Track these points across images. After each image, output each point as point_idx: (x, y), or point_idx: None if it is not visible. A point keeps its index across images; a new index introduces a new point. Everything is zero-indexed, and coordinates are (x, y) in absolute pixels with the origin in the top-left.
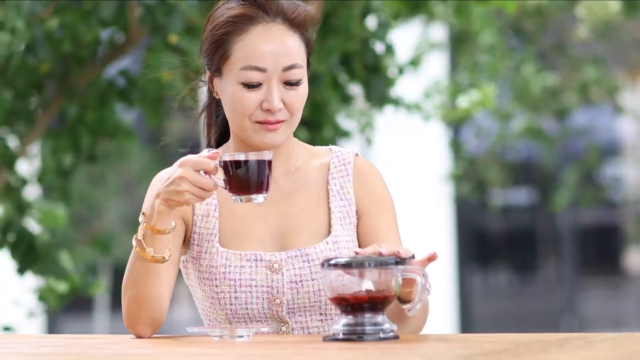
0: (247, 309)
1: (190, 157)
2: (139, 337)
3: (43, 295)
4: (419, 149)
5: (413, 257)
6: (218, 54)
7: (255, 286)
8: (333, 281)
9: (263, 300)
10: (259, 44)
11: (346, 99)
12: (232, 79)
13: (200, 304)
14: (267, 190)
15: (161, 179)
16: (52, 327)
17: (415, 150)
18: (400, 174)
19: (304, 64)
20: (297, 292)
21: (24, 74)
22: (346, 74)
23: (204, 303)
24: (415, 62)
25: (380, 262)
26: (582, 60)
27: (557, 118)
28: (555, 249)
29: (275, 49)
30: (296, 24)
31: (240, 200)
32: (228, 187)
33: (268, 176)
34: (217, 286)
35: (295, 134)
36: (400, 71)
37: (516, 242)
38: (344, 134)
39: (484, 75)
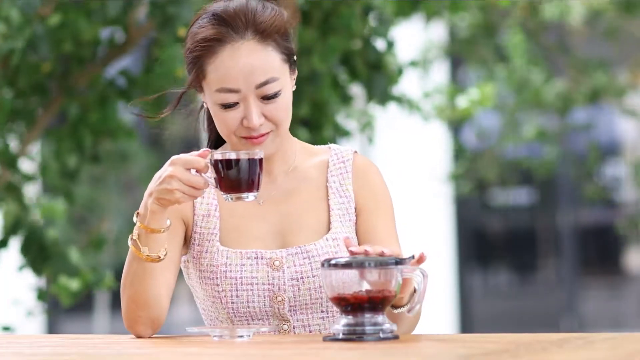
0: (248, 307)
1: (180, 156)
2: (139, 337)
3: (43, 295)
4: (420, 148)
5: (413, 257)
6: (195, 73)
7: (257, 284)
8: (333, 281)
9: (265, 298)
10: (228, 65)
11: (346, 99)
12: (210, 99)
13: (201, 304)
14: (257, 188)
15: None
16: (52, 327)
17: (416, 149)
18: (401, 174)
19: (282, 73)
20: (299, 289)
21: (25, 73)
22: (347, 73)
23: (206, 302)
24: (415, 63)
25: (381, 262)
26: (589, 62)
27: (559, 114)
28: (555, 249)
29: (244, 68)
30: (268, 34)
31: (231, 198)
32: (218, 185)
33: (259, 175)
34: (218, 285)
35: (295, 134)
36: (400, 71)
37: (516, 242)
38: (345, 133)
39: (493, 77)
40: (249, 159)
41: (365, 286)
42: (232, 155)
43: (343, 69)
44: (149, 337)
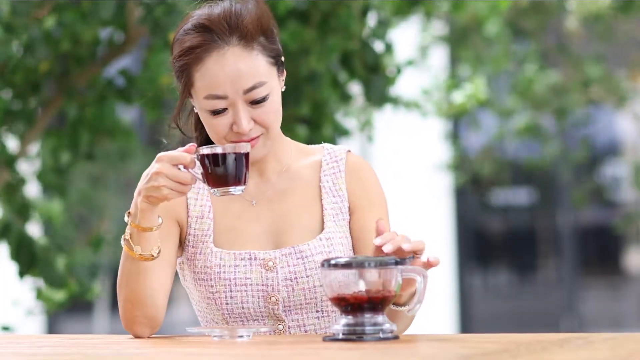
0: (243, 307)
1: (166, 153)
2: (137, 337)
3: (41, 297)
4: (419, 146)
5: (412, 257)
6: (183, 81)
7: (251, 285)
8: (332, 281)
9: (259, 298)
10: (214, 73)
11: (346, 98)
12: (199, 106)
13: (196, 305)
14: (244, 182)
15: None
16: (52, 327)
17: (415, 149)
18: (401, 174)
19: (269, 76)
20: (293, 289)
21: (22, 73)
22: (346, 72)
23: (201, 304)
24: (412, 62)
25: (380, 262)
26: (584, 57)
27: (557, 117)
28: (555, 249)
29: (231, 74)
30: (253, 37)
31: (218, 193)
32: (205, 180)
33: (246, 168)
34: (212, 286)
35: (295, 132)
36: (399, 71)
37: (516, 242)
38: (344, 132)
39: (486, 68)
40: (235, 153)
41: (365, 286)
42: (218, 150)
43: (342, 68)
44: (148, 337)
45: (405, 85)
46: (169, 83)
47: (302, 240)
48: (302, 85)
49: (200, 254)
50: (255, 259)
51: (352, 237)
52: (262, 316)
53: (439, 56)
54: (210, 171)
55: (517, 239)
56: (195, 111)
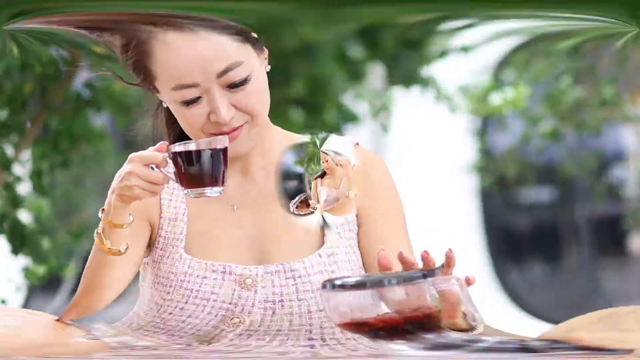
0: (183, 321)
1: (138, 153)
2: (61, 320)
3: (28, 274)
4: (440, 140)
5: (442, 266)
6: (142, 77)
7: (215, 301)
8: (340, 305)
9: (215, 316)
10: (177, 57)
11: (357, 76)
12: (168, 98)
13: (138, 306)
14: (222, 183)
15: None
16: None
17: (436, 143)
18: (421, 170)
19: (245, 55)
20: (273, 313)
21: (11, 94)
22: (366, 47)
23: (143, 307)
24: (466, 48)
25: (404, 278)
26: (604, 80)
27: (577, 129)
28: (575, 238)
29: (197, 57)
30: None
31: (192, 194)
32: (179, 180)
33: (224, 166)
34: (168, 293)
35: (287, 118)
36: (444, 53)
37: (541, 236)
38: (352, 117)
39: (529, 76)
40: (210, 149)
41: (390, 307)
42: (192, 146)
43: (358, 42)
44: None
45: (441, 72)
46: (122, 88)
47: (295, 256)
48: (291, 59)
49: (167, 257)
50: (230, 273)
51: (362, 251)
52: (198, 332)
53: (491, 53)
54: (183, 170)
55: (541, 233)
56: (165, 106)
